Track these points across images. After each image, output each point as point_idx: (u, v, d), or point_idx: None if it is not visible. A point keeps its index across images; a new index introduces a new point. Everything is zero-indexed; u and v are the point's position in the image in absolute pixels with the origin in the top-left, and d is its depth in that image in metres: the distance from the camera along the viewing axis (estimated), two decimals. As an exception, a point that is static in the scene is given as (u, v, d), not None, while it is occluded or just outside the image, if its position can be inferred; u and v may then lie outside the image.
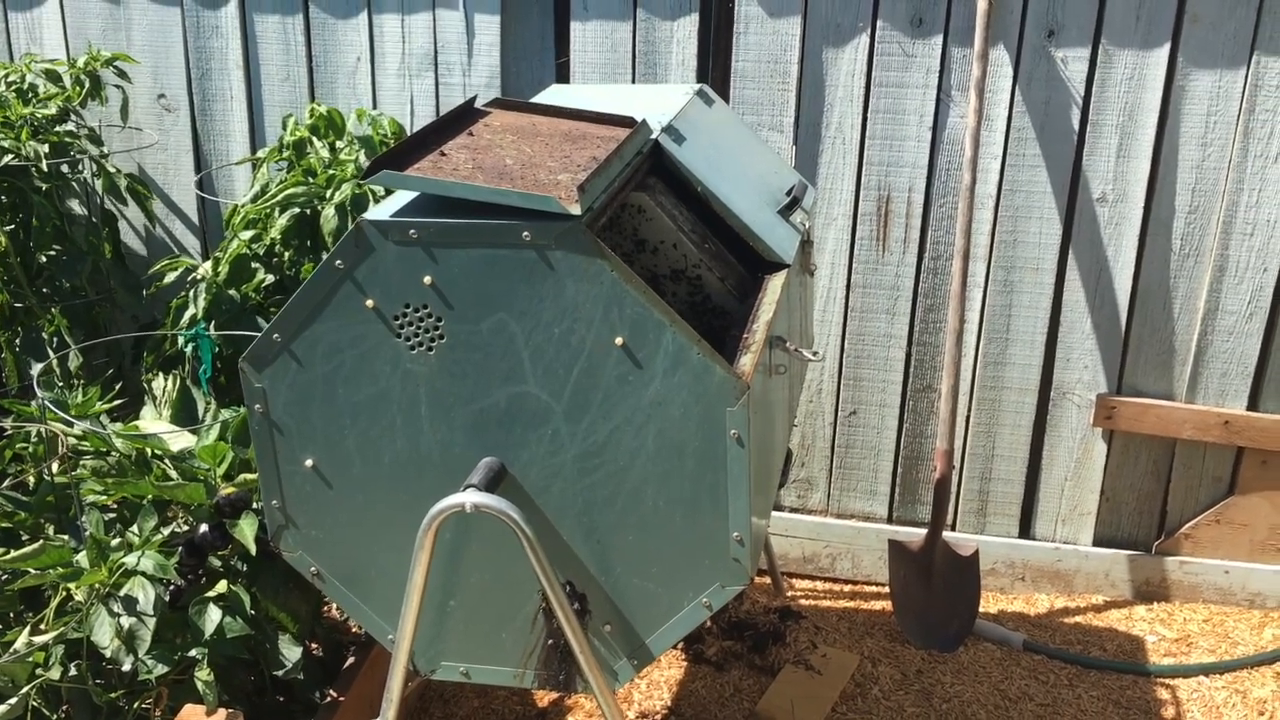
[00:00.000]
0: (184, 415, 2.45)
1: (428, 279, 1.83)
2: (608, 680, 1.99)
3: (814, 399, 3.32)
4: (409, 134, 2.84)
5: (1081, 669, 3.02)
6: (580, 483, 1.89)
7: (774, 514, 3.41)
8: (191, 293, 2.82)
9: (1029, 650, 3.09)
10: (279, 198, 2.78)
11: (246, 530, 2.08)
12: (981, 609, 3.20)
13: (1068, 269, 3.12)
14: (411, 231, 1.81)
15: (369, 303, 1.86)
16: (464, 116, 2.19)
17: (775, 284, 2.15)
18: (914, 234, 3.14)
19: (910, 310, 3.20)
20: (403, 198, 1.94)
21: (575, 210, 1.75)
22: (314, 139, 3.01)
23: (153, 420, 2.42)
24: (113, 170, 3.20)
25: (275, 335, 1.91)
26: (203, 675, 1.99)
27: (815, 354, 2.07)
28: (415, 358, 1.88)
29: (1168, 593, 3.32)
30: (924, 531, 3.13)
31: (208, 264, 2.88)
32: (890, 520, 3.40)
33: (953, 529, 3.37)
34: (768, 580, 3.33)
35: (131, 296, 3.28)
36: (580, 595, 1.96)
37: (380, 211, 1.88)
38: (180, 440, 2.29)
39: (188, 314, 2.79)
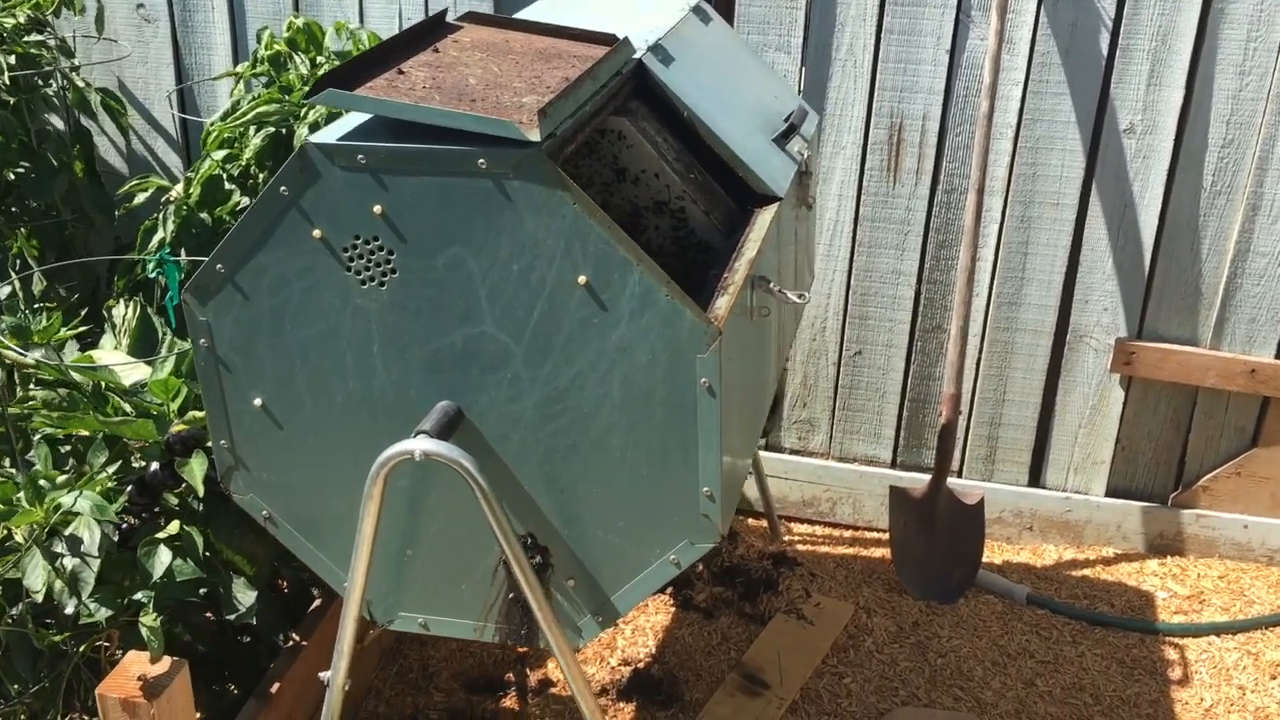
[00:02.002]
0: (144, 345, 2.34)
1: (378, 208, 1.69)
2: (570, 637, 1.88)
3: (817, 337, 3.17)
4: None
5: (1087, 625, 2.90)
6: (542, 430, 1.77)
7: (773, 456, 3.28)
8: (161, 215, 2.70)
9: (1032, 604, 2.97)
10: (249, 116, 2.63)
11: (196, 470, 1.97)
12: (985, 560, 3.07)
13: (1090, 205, 2.93)
14: (360, 156, 1.67)
15: (316, 233, 1.72)
16: (431, 30, 2.03)
17: (764, 219, 2.00)
18: (927, 165, 2.96)
19: (921, 246, 3.03)
20: (355, 119, 1.79)
21: (534, 136, 1.60)
22: (294, 54, 2.85)
23: (110, 350, 2.30)
24: (82, 84, 3.05)
25: (219, 265, 1.78)
26: (148, 620, 1.89)
27: (801, 296, 1.92)
28: (366, 293, 1.74)
29: (1182, 547, 3.18)
30: (929, 477, 3.00)
31: (179, 185, 2.74)
32: (894, 465, 3.27)
33: (959, 475, 3.23)
34: (764, 524, 3.21)
35: (104, 217, 3.15)
36: (542, 548, 1.85)
37: (328, 134, 1.73)
38: (135, 373, 2.18)
39: (156, 237, 2.67)
